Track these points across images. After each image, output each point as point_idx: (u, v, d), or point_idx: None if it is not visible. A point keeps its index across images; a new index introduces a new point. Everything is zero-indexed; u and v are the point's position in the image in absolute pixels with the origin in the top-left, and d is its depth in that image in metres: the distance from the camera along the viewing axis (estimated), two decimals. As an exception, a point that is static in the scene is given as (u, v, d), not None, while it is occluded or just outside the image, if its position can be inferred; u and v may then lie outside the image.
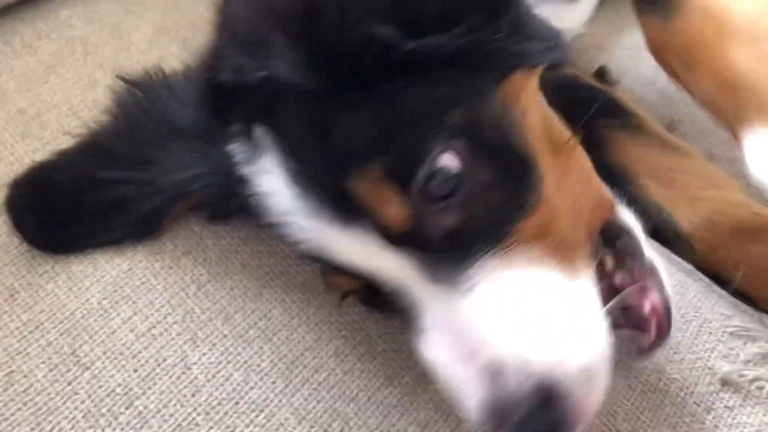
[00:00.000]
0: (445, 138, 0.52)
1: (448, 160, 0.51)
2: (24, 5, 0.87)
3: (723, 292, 0.75)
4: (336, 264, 0.56)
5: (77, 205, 0.66)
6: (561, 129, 0.61)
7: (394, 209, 0.51)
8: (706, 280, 0.76)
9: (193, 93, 0.63)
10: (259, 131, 0.57)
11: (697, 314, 0.71)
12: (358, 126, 0.52)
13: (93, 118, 0.70)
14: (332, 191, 0.52)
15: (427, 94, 0.53)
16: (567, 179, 0.57)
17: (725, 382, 0.66)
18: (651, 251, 0.61)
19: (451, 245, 0.52)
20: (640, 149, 0.84)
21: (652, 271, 0.60)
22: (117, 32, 0.87)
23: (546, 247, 0.53)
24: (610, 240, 0.61)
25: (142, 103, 0.66)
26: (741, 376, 0.66)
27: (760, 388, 0.66)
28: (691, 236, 0.76)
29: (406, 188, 0.51)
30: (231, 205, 0.65)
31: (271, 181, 0.56)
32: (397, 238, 0.52)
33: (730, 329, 0.70)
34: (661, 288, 0.59)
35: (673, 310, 0.59)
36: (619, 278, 0.60)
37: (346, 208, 0.52)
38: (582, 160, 0.62)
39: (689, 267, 0.76)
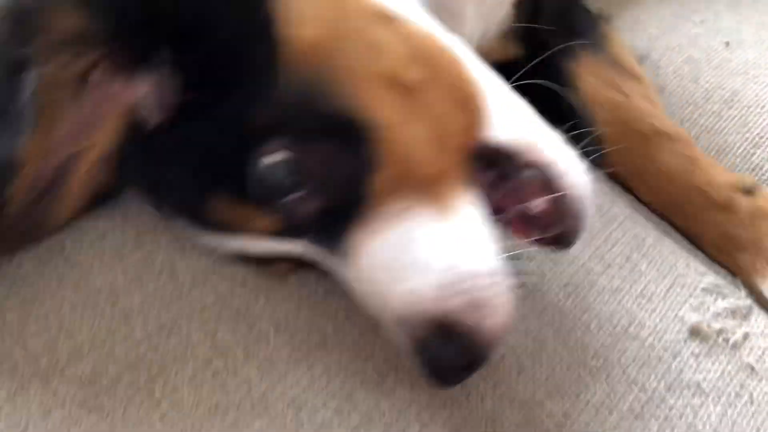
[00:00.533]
0: (258, 143, 0.51)
1: (273, 158, 0.51)
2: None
3: (699, 252, 0.78)
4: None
5: None
6: (401, 51, 0.54)
7: (259, 222, 0.55)
8: (684, 240, 0.79)
9: None
10: None
11: (672, 269, 0.73)
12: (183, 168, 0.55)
13: None
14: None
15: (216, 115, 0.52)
16: (416, 111, 0.53)
17: (693, 332, 0.68)
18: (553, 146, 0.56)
19: (325, 222, 0.54)
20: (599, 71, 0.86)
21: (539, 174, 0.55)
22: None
23: (410, 191, 0.52)
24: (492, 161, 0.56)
25: None
26: (708, 327, 0.68)
27: (726, 340, 0.68)
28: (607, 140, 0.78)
29: (255, 200, 0.53)
30: None
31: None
32: (280, 235, 0.55)
33: (702, 285, 0.72)
34: (551, 183, 0.54)
35: (584, 199, 0.55)
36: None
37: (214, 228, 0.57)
38: (448, 78, 0.55)
39: (668, 226, 0.79)
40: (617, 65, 0.89)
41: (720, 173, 0.78)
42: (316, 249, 0.56)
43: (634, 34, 1.02)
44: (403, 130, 0.52)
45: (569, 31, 0.90)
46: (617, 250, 0.73)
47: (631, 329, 0.68)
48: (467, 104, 0.55)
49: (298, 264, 0.60)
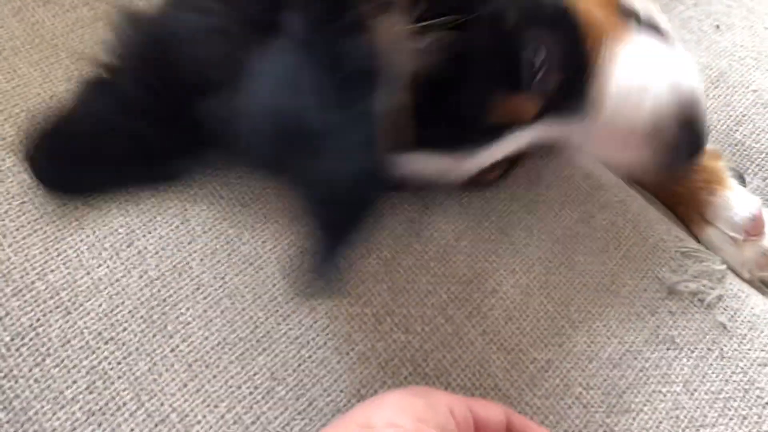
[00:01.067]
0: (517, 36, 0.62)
1: (532, 45, 0.63)
2: None
3: (679, 221, 0.83)
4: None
5: (97, 153, 0.64)
6: None
7: (528, 107, 0.64)
8: (665, 209, 0.84)
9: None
10: None
11: (653, 233, 0.78)
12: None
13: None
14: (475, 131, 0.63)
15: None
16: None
17: (671, 291, 0.73)
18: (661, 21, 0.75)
19: (566, 91, 0.66)
20: None
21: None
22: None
23: (611, 39, 0.68)
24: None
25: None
26: (685, 287, 0.73)
27: (701, 300, 0.73)
28: None
29: (523, 88, 0.63)
30: None
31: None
32: (533, 119, 0.65)
33: (682, 249, 0.77)
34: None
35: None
36: None
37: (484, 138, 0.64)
38: None
39: (650, 196, 0.84)
40: None
41: None
42: (558, 124, 0.67)
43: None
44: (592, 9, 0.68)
45: None
46: (603, 216, 0.78)
47: (613, 287, 0.72)
48: None
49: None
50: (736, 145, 0.90)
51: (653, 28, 0.76)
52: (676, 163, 0.71)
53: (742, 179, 0.86)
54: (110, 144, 0.64)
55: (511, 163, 0.73)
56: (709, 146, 0.84)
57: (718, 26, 1.04)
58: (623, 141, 0.71)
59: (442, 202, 0.74)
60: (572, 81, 0.68)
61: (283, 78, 0.53)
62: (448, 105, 0.60)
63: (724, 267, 0.77)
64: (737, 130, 0.91)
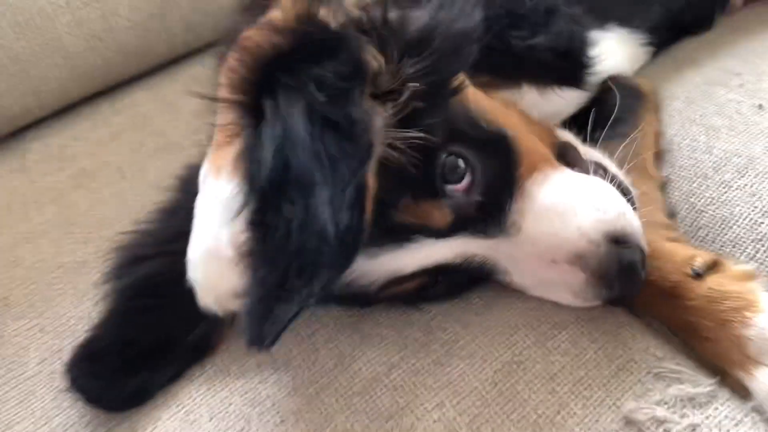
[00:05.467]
0: (442, 150, 0.68)
1: (452, 159, 0.68)
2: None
3: (670, 336, 0.74)
4: (402, 276, 0.71)
5: (131, 361, 0.74)
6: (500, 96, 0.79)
7: (437, 214, 0.68)
8: (652, 323, 0.75)
9: None
10: None
11: (624, 352, 0.70)
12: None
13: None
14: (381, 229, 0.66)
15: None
16: (523, 124, 0.77)
17: (628, 421, 0.65)
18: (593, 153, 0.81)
19: (485, 208, 0.69)
20: None
21: (599, 167, 0.78)
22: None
23: (538, 168, 0.72)
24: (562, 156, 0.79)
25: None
26: (646, 415, 0.64)
27: (666, 431, 0.64)
28: None
29: (435, 196, 0.67)
30: None
31: None
32: (447, 231, 0.68)
33: (656, 370, 0.68)
34: (611, 175, 0.78)
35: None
36: None
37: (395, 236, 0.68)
38: (515, 108, 0.81)
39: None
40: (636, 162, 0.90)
41: (673, 258, 0.74)
42: (473, 241, 0.70)
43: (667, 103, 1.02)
44: (529, 140, 0.75)
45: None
46: (565, 336, 0.73)
47: (557, 418, 0.66)
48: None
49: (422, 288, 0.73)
50: (760, 240, 0.79)
51: (592, 163, 0.79)
52: (613, 289, 0.69)
53: None
54: (140, 346, 0.74)
55: (435, 277, 0.73)
56: (741, 266, 0.73)
57: (761, 106, 0.94)
58: (549, 263, 0.70)
59: (381, 332, 0.75)
60: (495, 201, 0.70)
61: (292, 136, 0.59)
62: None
63: (709, 389, 0.66)
64: (763, 223, 0.80)
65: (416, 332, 0.75)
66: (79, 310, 0.84)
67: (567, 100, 0.93)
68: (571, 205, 0.70)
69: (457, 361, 0.72)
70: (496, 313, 0.76)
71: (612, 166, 0.82)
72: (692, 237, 0.84)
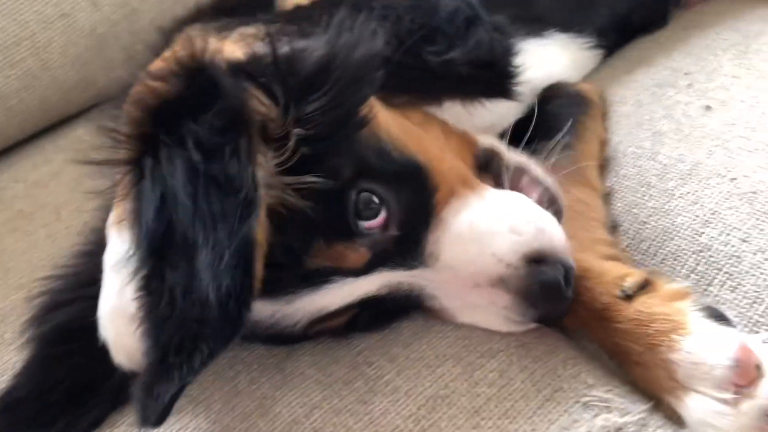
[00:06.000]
0: (352, 186, 0.65)
1: (365, 196, 0.66)
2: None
3: (605, 360, 0.70)
4: (329, 313, 0.68)
5: (50, 409, 0.72)
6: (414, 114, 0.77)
7: (352, 255, 0.65)
8: (589, 346, 0.72)
9: None
10: None
11: (553, 381, 0.67)
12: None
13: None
14: (295, 276, 0.65)
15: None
16: (441, 146, 0.74)
17: (551, 456, 0.62)
18: (519, 158, 0.79)
19: (403, 242, 0.67)
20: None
21: (525, 172, 0.77)
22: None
23: (456, 193, 0.70)
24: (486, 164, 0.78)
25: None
26: (571, 450, 0.61)
27: (590, 464, 0.60)
28: None
29: (350, 236, 0.65)
30: None
31: None
32: (365, 269, 0.66)
33: (584, 399, 0.65)
34: (536, 178, 0.77)
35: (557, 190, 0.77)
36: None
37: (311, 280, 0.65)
38: (436, 122, 0.79)
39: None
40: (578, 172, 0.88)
41: (604, 277, 0.70)
42: (394, 273, 0.67)
43: (615, 108, 0.99)
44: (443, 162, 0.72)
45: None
46: (493, 366, 0.69)
47: (477, 454, 0.63)
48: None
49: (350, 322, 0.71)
50: (701, 251, 0.75)
51: (520, 170, 0.77)
52: (538, 308, 0.67)
53: (719, 316, 0.66)
54: (59, 393, 0.72)
55: (363, 309, 0.70)
56: (672, 285, 0.69)
57: (709, 106, 0.91)
58: (473, 287, 0.68)
59: (305, 371, 0.73)
60: (412, 233, 0.68)
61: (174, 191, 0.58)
62: (271, 247, 0.60)
63: (639, 417, 0.63)
64: (704, 233, 0.76)
65: (341, 369, 0.72)
66: (3, 361, 0.83)
67: (498, 113, 0.89)
68: (486, 230, 0.68)
69: (380, 398, 0.69)
70: (425, 343, 0.73)
71: (538, 172, 0.79)
72: (635, 250, 0.81)
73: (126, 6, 1.12)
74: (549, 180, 0.78)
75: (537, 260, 0.67)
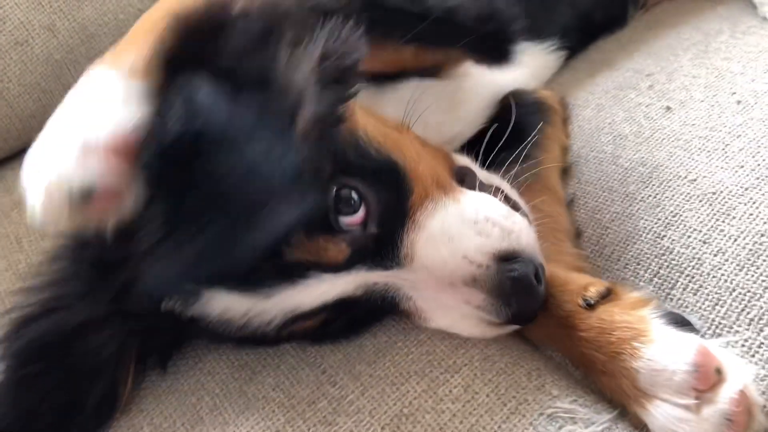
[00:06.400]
0: (333, 182, 0.66)
1: (345, 192, 0.66)
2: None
3: (570, 371, 0.70)
4: (303, 314, 0.68)
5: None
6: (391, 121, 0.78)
7: (332, 250, 0.65)
8: (555, 357, 0.71)
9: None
10: None
11: (518, 393, 0.67)
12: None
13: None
14: (274, 267, 0.64)
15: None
16: (417, 150, 0.74)
17: (515, 470, 0.61)
18: (491, 177, 0.79)
19: (382, 240, 0.67)
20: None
21: (496, 190, 0.76)
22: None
23: (431, 196, 0.70)
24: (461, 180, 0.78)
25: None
26: (535, 463, 0.61)
27: (555, 478, 0.60)
28: None
29: (330, 231, 0.65)
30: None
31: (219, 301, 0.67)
32: (344, 266, 0.66)
33: (549, 411, 0.65)
34: (507, 198, 0.77)
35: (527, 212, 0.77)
36: None
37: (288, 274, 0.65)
38: (411, 131, 0.79)
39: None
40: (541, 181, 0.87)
41: (567, 287, 0.70)
42: (371, 273, 0.67)
43: (577, 113, 0.99)
44: (423, 167, 0.72)
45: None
46: (457, 381, 0.69)
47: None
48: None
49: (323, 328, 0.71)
50: (663, 254, 0.75)
51: (490, 187, 0.77)
52: (512, 305, 0.66)
53: (682, 322, 0.66)
54: (41, 415, 0.70)
55: (337, 312, 0.69)
56: (635, 293, 0.69)
57: (668, 108, 0.91)
58: (447, 287, 0.67)
59: (268, 393, 0.72)
60: (389, 232, 0.68)
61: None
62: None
63: (603, 427, 0.63)
64: (665, 236, 0.76)
65: (304, 390, 0.71)
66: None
67: (463, 121, 0.89)
68: (456, 232, 0.68)
69: (345, 418, 0.68)
70: (388, 360, 0.72)
71: (509, 190, 0.79)
72: (598, 256, 0.80)
73: (83, 31, 1.12)
74: (519, 199, 0.78)
75: (507, 259, 0.67)
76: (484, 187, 0.77)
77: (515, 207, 0.76)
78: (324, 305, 0.68)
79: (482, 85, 0.95)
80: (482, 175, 0.80)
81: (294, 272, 0.65)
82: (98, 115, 0.57)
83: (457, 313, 0.69)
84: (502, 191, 0.77)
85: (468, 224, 0.69)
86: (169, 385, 0.75)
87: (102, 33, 1.12)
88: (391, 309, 0.71)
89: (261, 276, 0.64)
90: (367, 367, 0.72)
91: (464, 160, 0.82)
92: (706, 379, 0.60)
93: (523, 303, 0.67)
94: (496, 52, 0.88)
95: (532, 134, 0.90)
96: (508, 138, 0.88)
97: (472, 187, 0.77)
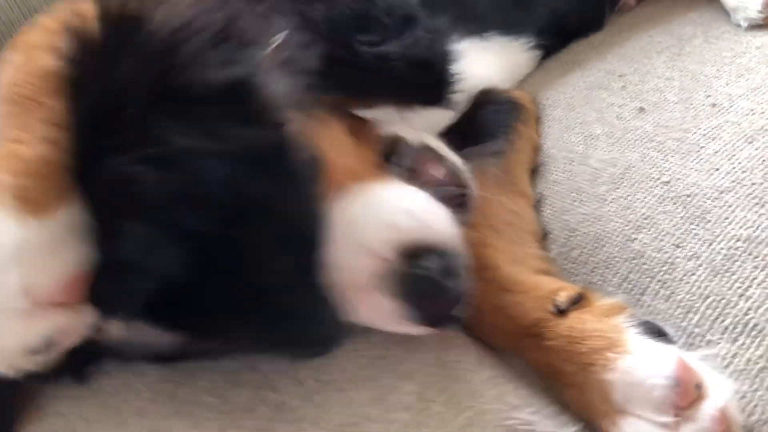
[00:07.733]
0: None
1: None
2: None
3: (533, 380, 0.65)
4: None
5: None
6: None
7: None
8: (515, 364, 0.66)
9: None
10: None
11: (475, 403, 0.62)
12: None
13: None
14: None
15: None
16: (335, 137, 0.68)
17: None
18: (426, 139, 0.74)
19: None
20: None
21: (430, 153, 0.72)
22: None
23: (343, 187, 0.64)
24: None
25: None
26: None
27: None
28: None
29: None
30: None
31: None
32: None
33: (508, 422, 0.60)
34: (441, 159, 0.73)
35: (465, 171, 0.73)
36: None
37: None
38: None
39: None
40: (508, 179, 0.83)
41: (535, 291, 0.66)
42: None
43: (548, 112, 0.95)
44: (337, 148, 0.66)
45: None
46: (409, 389, 0.63)
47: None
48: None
49: None
50: (633, 258, 0.71)
51: (426, 150, 0.72)
52: (423, 308, 0.60)
53: (657, 332, 0.62)
54: None
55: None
56: (608, 300, 0.65)
57: (642, 108, 0.87)
58: (357, 291, 0.60)
59: (201, 398, 0.66)
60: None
61: None
62: None
63: (568, 441, 0.58)
64: (636, 239, 0.72)
65: (242, 395, 0.65)
66: None
67: (429, 120, 0.84)
68: (361, 224, 0.61)
69: (284, 426, 0.62)
70: (336, 365, 0.67)
71: (445, 151, 0.74)
72: (565, 259, 0.76)
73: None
74: (457, 160, 0.73)
75: (415, 255, 0.60)
76: (416, 152, 0.72)
77: (453, 171, 0.72)
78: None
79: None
80: (414, 138, 0.74)
81: None
82: None
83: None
84: (435, 151, 0.73)
85: (375, 215, 0.62)
86: (92, 386, 0.68)
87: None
88: None
89: None
90: (312, 372, 0.66)
91: (394, 129, 0.75)
92: (686, 395, 0.55)
93: (431, 304, 0.60)
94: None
95: (503, 131, 0.86)
96: (479, 135, 0.85)
97: (400, 158, 0.71)
